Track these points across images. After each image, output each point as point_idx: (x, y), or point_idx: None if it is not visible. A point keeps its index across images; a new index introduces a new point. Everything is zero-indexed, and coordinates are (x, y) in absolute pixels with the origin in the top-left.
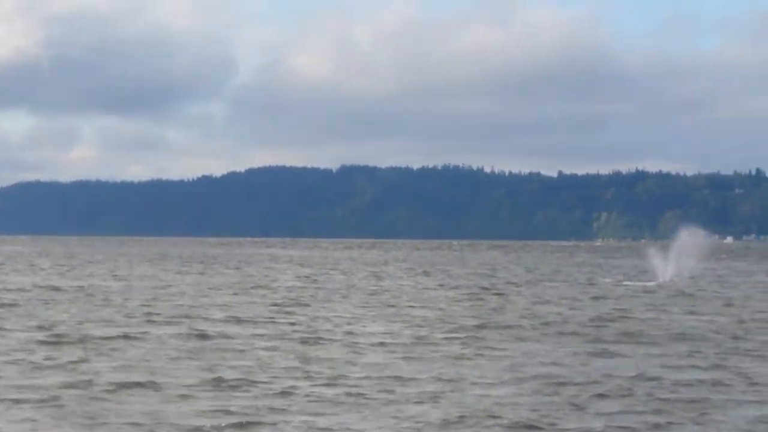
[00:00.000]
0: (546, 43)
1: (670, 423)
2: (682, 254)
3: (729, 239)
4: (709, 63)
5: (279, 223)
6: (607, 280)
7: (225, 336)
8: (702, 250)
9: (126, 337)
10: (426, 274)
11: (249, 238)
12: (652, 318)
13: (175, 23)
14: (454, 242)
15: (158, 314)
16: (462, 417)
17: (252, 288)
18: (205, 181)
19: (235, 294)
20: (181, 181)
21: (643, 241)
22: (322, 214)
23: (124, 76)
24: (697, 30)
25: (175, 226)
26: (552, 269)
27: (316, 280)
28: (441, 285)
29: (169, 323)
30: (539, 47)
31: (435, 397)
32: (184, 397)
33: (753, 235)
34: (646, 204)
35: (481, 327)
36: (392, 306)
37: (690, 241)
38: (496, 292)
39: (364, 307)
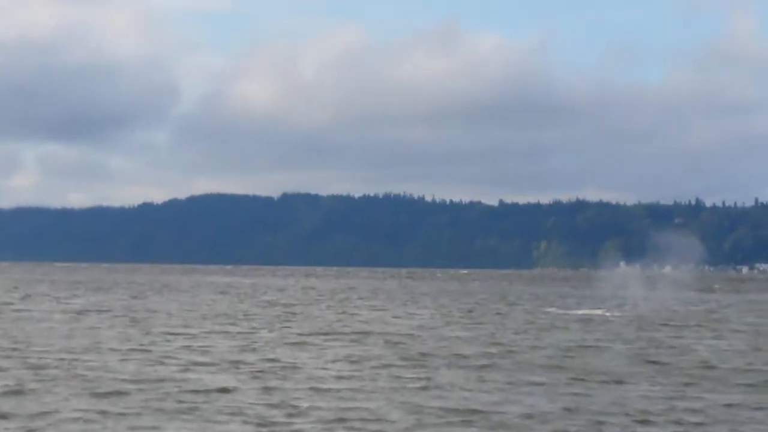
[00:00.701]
0: (489, 72)
1: None
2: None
3: (667, 268)
4: (651, 93)
5: (220, 251)
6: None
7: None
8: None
9: None
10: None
11: (188, 265)
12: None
13: (118, 50)
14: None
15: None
16: None
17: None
18: (147, 209)
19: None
20: (122, 208)
21: (582, 269)
22: (263, 241)
23: (66, 103)
24: (641, 60)
25: (116, 253)
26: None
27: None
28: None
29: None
30: (482, 75)
31: None
32: None
33: (691, 264)
34: (586, 233)
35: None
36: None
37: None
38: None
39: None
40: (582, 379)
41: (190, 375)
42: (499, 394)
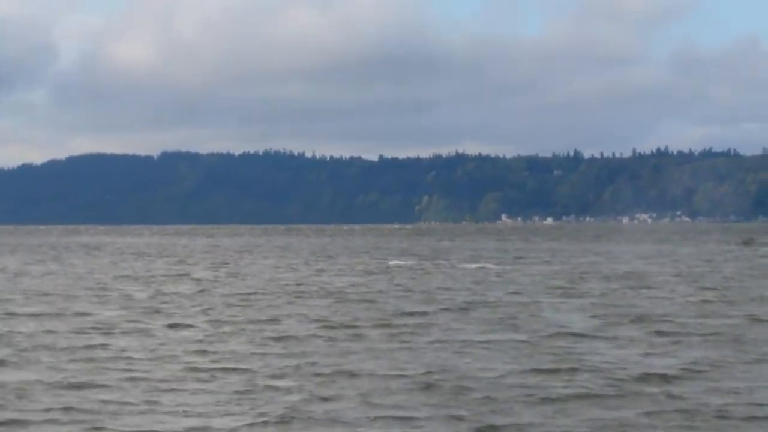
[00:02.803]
0: (368, 27)
1: None
2: None
3: (549, 220)
4: (531, 46)
5: (100, 211)
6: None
7: None
8: None
9: None
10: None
11: (69, 226)
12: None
13: None
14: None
15: None
16: None
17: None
18: (26, 170)
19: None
20: (1, 170)
21: (464, 223)
22: (143, 200)
23: None
24: (519, 13)
25: None
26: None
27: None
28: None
29: None
30: (361, 30)
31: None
32: None
33: (572, 216)
34: (466, 186)
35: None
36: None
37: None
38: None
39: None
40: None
41: None
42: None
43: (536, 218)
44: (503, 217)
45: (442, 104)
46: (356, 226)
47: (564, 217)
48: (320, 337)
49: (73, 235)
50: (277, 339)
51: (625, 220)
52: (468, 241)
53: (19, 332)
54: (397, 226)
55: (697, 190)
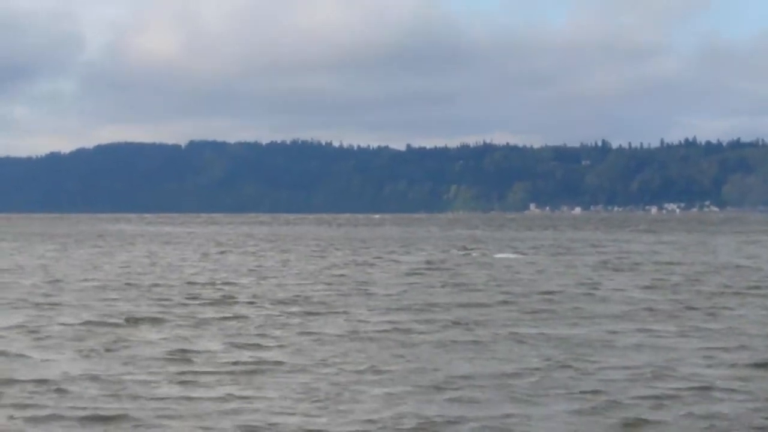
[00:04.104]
0: (395, 19)
1: None
2: None
3: (577, 210)
4: (556, 38)
5: (128, 200)
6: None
7: None
8: None
9: None
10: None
11: (102, 215)
12: None
13: (21, 1)
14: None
15: None
16: None
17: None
18: (54, 158)
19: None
20: (29, 159)
21: (492, 212)
22: (171, 189)
23: None
24: (545, 5)
25: (23, 203)
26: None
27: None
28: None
29: None
30: (389, 22)
31: None
32: None
33: (600, 206)
34: (494, 176)
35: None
36: None
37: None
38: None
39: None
40: None
41: None
42: None
43: (565, 208)
44: (531, 206)
45: (469, 95)
46: (387, 215)
47: (592, 207)
48: None
49: (115, 224)
50: None
51: (654, 210)
52: (532, 230)
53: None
54: (424, 215)
55: (725, 180)
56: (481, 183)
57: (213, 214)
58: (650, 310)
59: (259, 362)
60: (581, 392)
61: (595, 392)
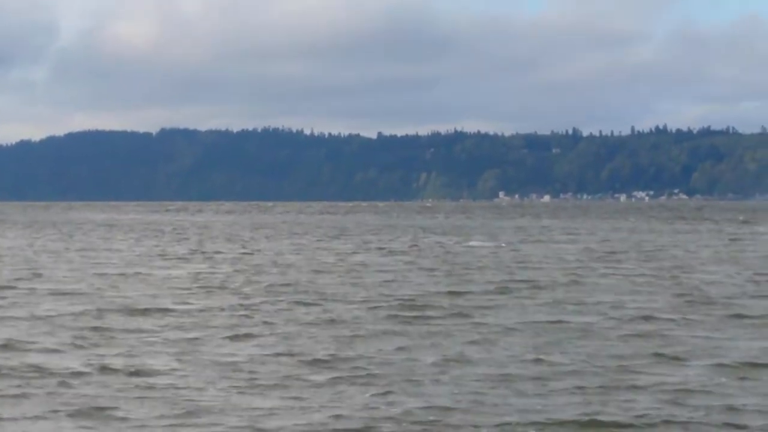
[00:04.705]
0: (368, 4)
1: None
2: None
3: (546, 198)
4: (530, 25)
5: (99, 188)
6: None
7: None
8: None
9: None
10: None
11: (75, 202)
12: None
13: None
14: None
15: None
16: None
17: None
18: (24, 146)
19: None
20: None
21: (461, 200)
22: (142, 177)
23: None
24: None
25: None
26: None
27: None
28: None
29: None
30: (361, 8)
31: None
32: None
33: (570, 194)
34: (464, 164)
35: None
36: None
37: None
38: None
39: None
40: None
41: None
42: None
43: (534, 196)
44: (501, 194)
45: (440, 82)
46: (363, 203)
47: (561, 195)
48: None
49: (98, 212)
50: None
51: (623, 197)
52: (509, 218)
53: None
54: (393, 202)
55: (695, 168)
56: (451, 171)
57: (193, 202)
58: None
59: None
60: None
61: None
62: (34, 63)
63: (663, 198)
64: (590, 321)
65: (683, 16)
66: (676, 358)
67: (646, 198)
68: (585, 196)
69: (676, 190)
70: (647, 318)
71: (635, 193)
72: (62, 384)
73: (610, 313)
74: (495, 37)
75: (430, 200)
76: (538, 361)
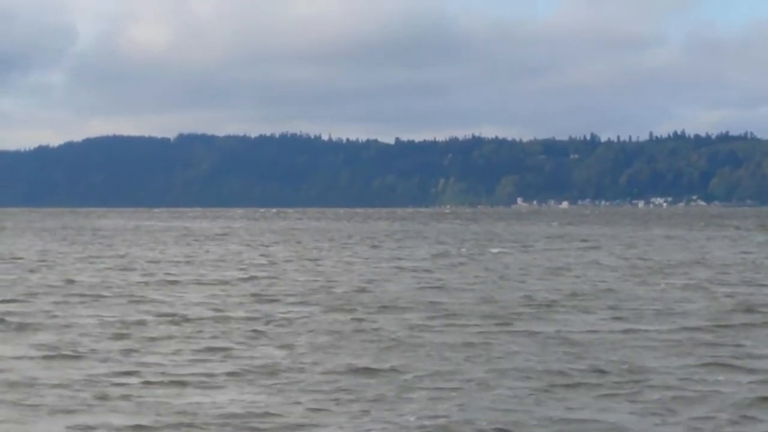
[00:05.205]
0: (385, 9)
1: None
2: None
3: (564, 204)
4: (546, 30)
5: (117, 193)
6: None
7: None
8: None
9: None
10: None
11: (91, 209)
12: None
13: None
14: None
15: None
16: None
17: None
18: (42, 152)
19: None
20: (17, 152)
21: (480, 206)
22: (160, 183)
23: None
24: None
25: (12, 197)
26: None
27: None
28: None
29: None
30: (378, 14)
31: None
32: None
33: (588, 200)
34: (482, 169)
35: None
36: None
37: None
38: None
39: None
40: None
41: None
42: None
43: (552, 202)
44: (519, 200)
45: (458, 87)
46: (382, 209)
47: (579, 201)
48: None
49: (127, 219)
50: None
51: (641, 204)
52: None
53: None
54: (411, 209)
55: (713, 174)
56: (469, 177)
57: (211, 209)
58: None
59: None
60: None
61: None
62: (52, 67)
63: (681, 204)
64: None
65: (698, 19)
66: None
67: (665, 204)
68: (603, 203)
69: (694, 197)
70: None
71: (653, 199)
72: None
73: None
74: (511, 42)
75: (449, 206)
76: None
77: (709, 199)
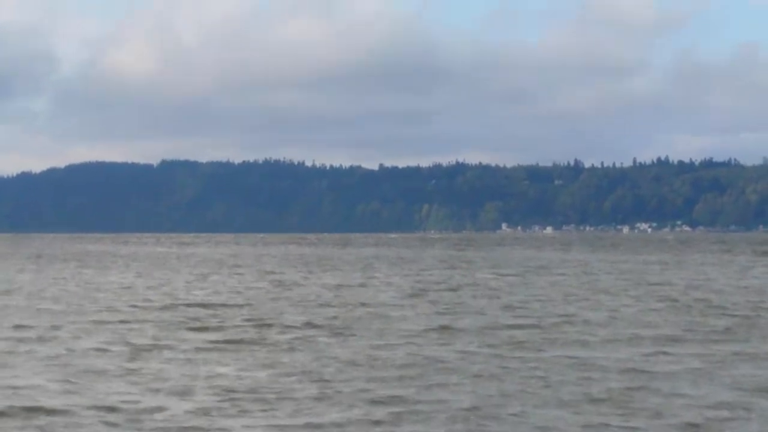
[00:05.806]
0: (369, 36)
1: None
2: None
3: (549, 229)
4: (531, 56)
5: (100, 220)
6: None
7: None
8: None
9: None
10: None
11: (73, 234)
12: None
13: None
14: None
15: None
16: None
17: None
18: (25, 178)
19: None
20: (0, 178)
21: (464, 232)
22: (144, 209)
23: None
24: (519, 22)
25: None
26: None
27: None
28: None
29: None
30: (362, 40)
31: None
32: None
33: (572, 225)
34: (466, 195)
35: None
36: None
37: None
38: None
39: None
40: None
41: None
42: None
43: (536, 227)
44: (503, 226)
45: (441, 113)
46: (360, 235)
47: (564, 227)
48: None
49: (112, 245)
50: None
51: (626, 229)
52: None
53: None
54: (394, 235)
55: (697, 199)
56: (453, 202)
57: (203, 234)
58: None
59: None
60: None
61: None
62: (34, 93)
63: (666, 230)
64: None
65: (682, 45)
66: None
67: (649, 230)
68: (588, 228)
69: (679, 222)
70: None
71: (638, 224)
72: None
73: None
74: (495, 68)
75: (433, 231)
76: None
77: (693, 224)
